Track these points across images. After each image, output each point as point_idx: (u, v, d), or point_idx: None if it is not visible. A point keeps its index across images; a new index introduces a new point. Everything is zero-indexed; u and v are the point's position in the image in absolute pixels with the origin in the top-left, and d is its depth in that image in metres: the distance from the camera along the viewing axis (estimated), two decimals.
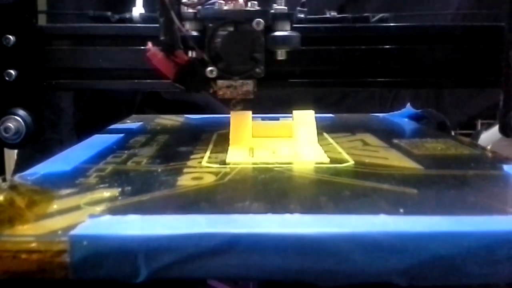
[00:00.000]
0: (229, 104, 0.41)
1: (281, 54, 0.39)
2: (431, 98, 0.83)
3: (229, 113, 0.42)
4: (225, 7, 0.37)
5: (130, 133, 0.47)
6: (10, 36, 0.41)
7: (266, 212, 0.23)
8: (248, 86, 0.38)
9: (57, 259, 0.21)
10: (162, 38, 0.36)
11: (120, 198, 0.27)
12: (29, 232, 0.22)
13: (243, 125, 0.41)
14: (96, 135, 0.46)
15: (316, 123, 0.42)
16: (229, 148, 0.38)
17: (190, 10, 0.38)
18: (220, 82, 0.38)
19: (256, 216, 0.23)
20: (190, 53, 0.37)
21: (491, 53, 0.43)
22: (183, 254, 0.21)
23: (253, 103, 0.42)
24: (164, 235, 0.21)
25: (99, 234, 0.21)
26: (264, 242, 0.21)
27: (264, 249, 0.21)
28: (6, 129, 0.40)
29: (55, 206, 0.25)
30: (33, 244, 0.21)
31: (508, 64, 0.39)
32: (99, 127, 0.50)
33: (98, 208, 0.25)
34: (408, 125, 0.56)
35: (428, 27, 0.45)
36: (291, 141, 0.41)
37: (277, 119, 0.49)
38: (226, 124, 0.43)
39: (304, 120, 0.42)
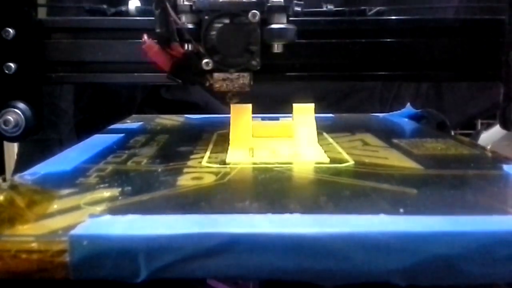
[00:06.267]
0: (224, 98, 0.41)
1: (277, 47, 0.38)
2: (431, 98, 0.83)
3: (229, 113, 0.42)
4: None
5: (130, 133, 0.47)
6: (10, 29, 0.40)
7: (266, 212, 0.23)
8: (244, 79, 0.38)
9: (57, 259, 0.21)
10: (157, 30, 0.36)
11: (120, 198, 0.27)
12: (29, 232, 0.22)
13: (243, 120, 0.41)
14: (96, 135, 0.46)
15: (316, 123, 0.42)
16: (229, 148, 0.38)
17: (186, 3, 0.37)
18: (216, 75, 0.38)
19: (256, 216, 0.23)
20: (186, 46, 0.37)
21: (491, 47, 0.42)
22: (183, 253, 0.21)
23: (252, 101, 0.41)
24: (164, 235, 0.21)
25: (99, 234, 0.21)
26: (264, 242, 0.21)
27: (264, 249, 0.21)
28: (6, 122, 0.40)
29: (55, 206, 0.25)
30: (33, 244, 0.21)
31: (508, 59, 0.39)
32: (99, 127, 0.50)
33: (98, 208, 0.25)
34: (408, 125, 0.56)
35: (427, 20, 0.44)
36: (291, 141, 0.41)
37: (277, 119, 0.49)
38: (226, 124, 0.43)
39: (304, 120, 0.42)
